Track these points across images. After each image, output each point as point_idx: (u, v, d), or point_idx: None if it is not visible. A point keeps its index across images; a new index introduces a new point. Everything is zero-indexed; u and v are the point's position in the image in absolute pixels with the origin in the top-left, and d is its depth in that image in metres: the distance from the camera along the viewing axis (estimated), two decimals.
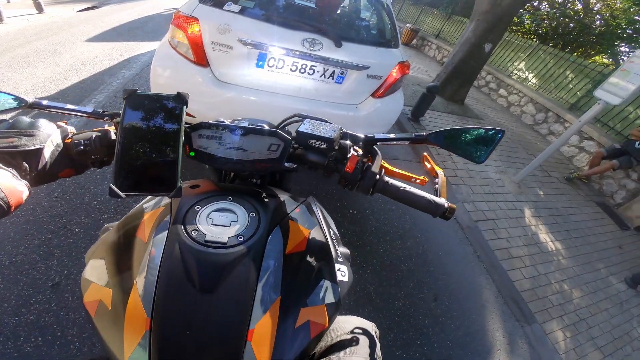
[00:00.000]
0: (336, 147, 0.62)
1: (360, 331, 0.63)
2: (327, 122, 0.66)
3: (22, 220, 1.65)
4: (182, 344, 0.42)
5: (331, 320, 0.53)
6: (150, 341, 0.41)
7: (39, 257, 1.51)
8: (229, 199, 0.55)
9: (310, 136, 0.60)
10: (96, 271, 0.51)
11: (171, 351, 0.42)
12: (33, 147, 0.45)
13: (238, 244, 0.48)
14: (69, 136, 0.52)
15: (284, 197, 0.63)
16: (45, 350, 1.23)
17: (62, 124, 0.53)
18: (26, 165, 0.45)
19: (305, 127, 0.62)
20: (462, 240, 2.69)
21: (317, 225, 0.63)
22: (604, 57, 9.85)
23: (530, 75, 6.72)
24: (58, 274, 1.47)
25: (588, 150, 4.95)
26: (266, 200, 0.58)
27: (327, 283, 0.55)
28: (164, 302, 0.43)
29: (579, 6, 9.49)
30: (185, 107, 0.48)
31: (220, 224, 0.50)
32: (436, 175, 0.69)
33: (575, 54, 9.06)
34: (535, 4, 10.24)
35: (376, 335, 0.66)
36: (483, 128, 0.63)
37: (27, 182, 0.45)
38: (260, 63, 1.89)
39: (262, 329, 0.44)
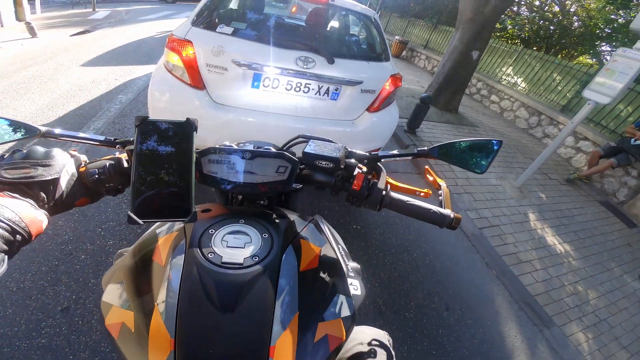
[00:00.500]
0: (342, 166, 0.65)
1: (377, 343, 0.66)
2: (331, 141, 0.69)
3: (28, 248, 1.67)
4: None
5: (348, 333, 0.55)
6: None
7: (47, 283, 1.56)
8: (241, 221, 0.57)
9: (316, 157, 0.63)
10: (116, 294, 0.53)
11: None
12: (50, 178, 0.46)
13: (254, 264, 0.50)
14: (83, 165, 0.53)
15: (293, 217, 0.66)
16: None
17: (74, 152, 0.55)
18: (43, 195, 0.46)
19: (311, 147, 0.65)
20: (468, 248, 2.71)
21: (327, 243, 0.66)
22: (587, 57, 10.24)
23: (519, 80, 6.97)
24: (67, 299, 1.51)
25: (585, 151, 5.07)
26: (277, 221, 0.61)
27: (341, 297, 0.58)
28: (186, 323, 0.45)
29: (556, 8, 9.91)
30: (195, 132, 0.49)
31: (235, 246, 0.52)
32: (439, 187, 0.72)
33: (559, 56, 9.42)
34: (515, 9, 10.70)
35: (390, 344, 0.68)
36: (481, 139, 0.67)
37: (45, 212, 0.47)
38: (255, 83, 1.96)
39: (283, 345, 0.46)
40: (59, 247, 1.74)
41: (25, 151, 0.47)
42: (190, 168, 0.48)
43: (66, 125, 2.98)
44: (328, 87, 2.04)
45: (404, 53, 11.04)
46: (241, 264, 0.49)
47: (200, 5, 2.05)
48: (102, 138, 0.61)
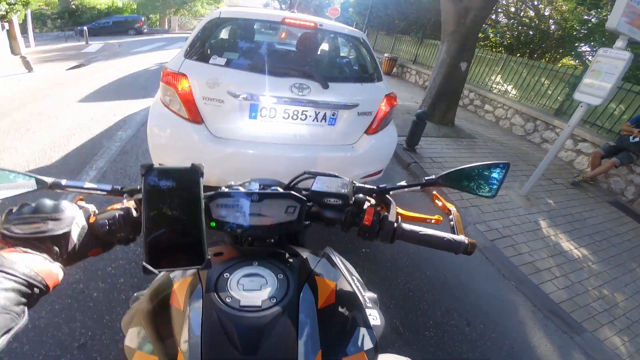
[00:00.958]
0: (351, 202, 0.66)
1: None
2: (337, 176, 0.71)
3: None
4: None
5: None
6: None
7: (62, 321, 1.59)
8: (255, 263, 0.58)
9: (324, 194, 0.65)
10: (138, 339, 0.54)
11: None
12: (61, 232, 0.47)
13: (272, 305, 0.51)
14: (92, 215, 0.54)
15: (305, 254, 0.66)
16: None
17: (82, 203, 0.56)
18: (56, 248, 0.47)
19: (318, 185, 0.66)
20: (482, 261, 2.68)
21: (341, 276, 0.67)
22: (570, 59, 10.57)
23: (510, 87, 7.18)
24: (83, 336, 1.54)
25: (585, 152, 5.14)
26: (290, 260, 0.62)
27: (362, 330, 0.59)
28: None
29: (532, 13, 10.33)
30: (201, 178, 0.50)
31: (252, 289, 0.53)
32: (449, 212, 0.73)
33: (544, 60, 9.72)
34: (494, 17, 11.16)
35: None
36: (489, 163, 0.69)
37: (60, 264, 0.48)
38: (253, 114, 2.00)
39: None
40: (71, 285, 1.77)
41: (33, 205, 0.48)
42: (200, 215, 0.49)
43: (69, 165, 3.03)
44: (325, 113, 2.09)
45: (394, 70, 11.41)
46: (259, 307, 0.50)
47: (191, 36, 2.11)
48: (108, 188, 0.62)
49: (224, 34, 2.69)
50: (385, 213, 0.67)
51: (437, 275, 2.37)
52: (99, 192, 0.61)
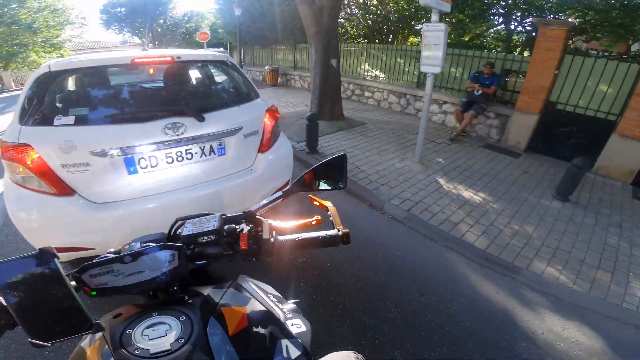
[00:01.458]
0: (224, 234, 0.71)
1: None
2: (207, 214, 0.76)
3: None
4: None
5: None
6: None
7: None
8: (155, 313, 0.60)
9: (195, 235, 0.69)
10: None
11: None
12: None
13: (181, 346, 0.53)
14: None
15: (207, 290, 0.69)
16: None
17: None
18: None
19: (188, 229, 0.71)
20: (408, 232, 2.93)
21: (252, 299, 0.72)
22: (414, 38, 12.42)
23: (377, 72, 8.08)
24: None
25: (450, 112, 6.15)
26: (190, 301, 0.64)
27: (284, 342, 0.64)
28: None
29: (375, 1, 11.75)
30: (56, 259, 0.50)
31: (157, 336, 0.55)
32: (327, 209, 0.82)
33: (395, 42, 11.21)
34: (348, 10, 12.33)
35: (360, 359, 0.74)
36: (328, 159, 0.78)
37: None
38: (131, 169, 1.78)
39: None
40: None
41: None
42: (69, 291, 0.50)
43: None
44: (211, 145, 1.97)
45: (279, 80, 11.69)
46: (170, 350, 0.52)
47: (22, 96, 1.76)
48: None
49: (70, 85, 2.29)
50: (261, 232, 0.73)
51: (376, 258, 2.49)
52: None
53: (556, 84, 4.68)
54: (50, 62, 1.84)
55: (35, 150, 1.59)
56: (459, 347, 1.82)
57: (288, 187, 0.75)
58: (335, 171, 0.80)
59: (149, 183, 1.84)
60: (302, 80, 10.82)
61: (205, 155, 1.97)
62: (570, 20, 6.69)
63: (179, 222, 0.77)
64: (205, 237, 0.69)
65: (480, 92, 5.09)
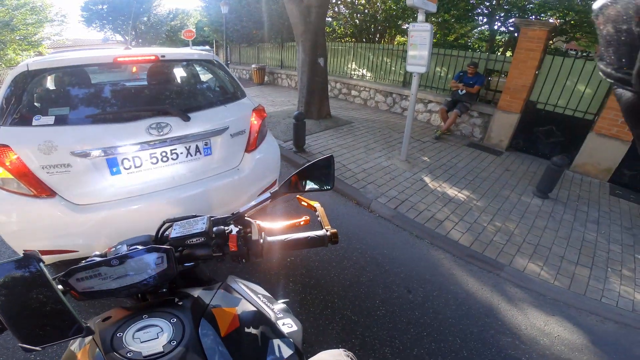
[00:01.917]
0: (213, 235, 0.71)
1: None
2: (195, 216, 0.75)
3: None
4: None
5: None
6: None
7: None
8: (145, 316, 0.60)
9: (184, 238, 0.69)
10: None
11: None
12: None
13: (174, 347, 0.54)
14: None
15: (197, 292, 0.69)
16: None
17: None
18: None
19: (177, 230, 0.70)
20: (395, 230, 2.97)
21: (242, 299, 0.72)
22: (401, 37, 12.54)
23: (364, 71, 8.14)
24: None
25: (435, 111, 6.25)
26: (180, 303, 0.65)
27: (276, 341, 0.65)
28: None
29: (363, 0, 11.84)
30: (42, 263, 0.49)
31: (149, 339, 0.55)
32: (315, 209, 0.83)
33: (382, 41, 11.30)
34: (336, 9, 12.34)
35: (350, 358, 0.75)
36: (316, 161, 0.79)
37: None
38: (114, 169, 1.74)
39: None
40: None
41: None
42: (56, 295, 0.49)
43: None
44: (197, 145, 1.95)
45: (266, 78, 11.60)
46: (162, 352, 0.53)
47: (0, 94, 1.71)
48: None
49: (49, 83, 2.22)
50: (250, 234, 0.73)
51: (364, 256, 2.52)
52: None
53: (537, 84, 4.82)
54: (29, 61, 1.79)
55: (13, 151, 1.55)
56: (446, 344, 1.86)
57: (275, 186, 0.75)
58: (322, 172, 0.81)
59: (133, 184, 1.81)
60: (289, 79, 10.79)
61: (191, 155, 1.95)
62: (551, 20, 6.90)
63: (167, 224, 0.76)
64: (194, 239, 0.69)
65: (464, 91, 5.20)
